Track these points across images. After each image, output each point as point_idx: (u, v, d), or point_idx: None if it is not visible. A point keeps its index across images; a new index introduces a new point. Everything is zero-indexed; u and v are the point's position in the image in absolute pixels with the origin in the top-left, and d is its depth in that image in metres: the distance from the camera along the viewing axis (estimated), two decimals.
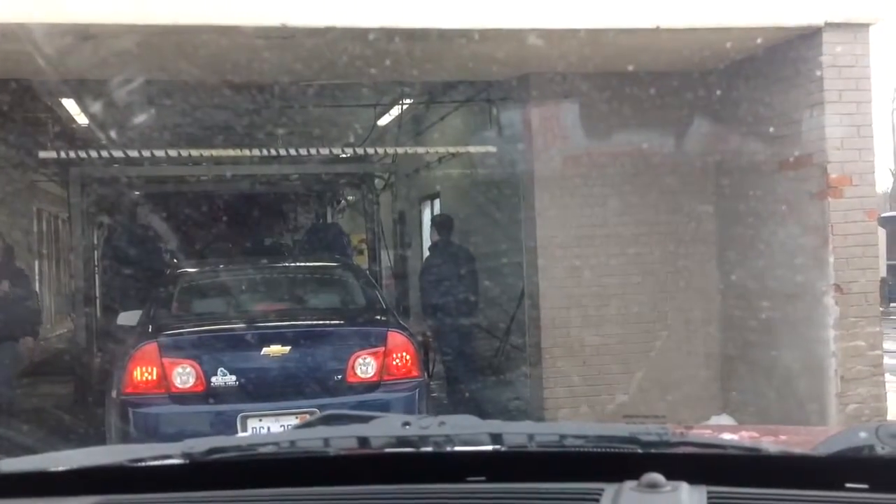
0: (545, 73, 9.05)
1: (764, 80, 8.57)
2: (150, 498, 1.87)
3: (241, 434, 6.49)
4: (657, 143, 9.14)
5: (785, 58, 8.25)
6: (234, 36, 7.31)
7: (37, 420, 9.70)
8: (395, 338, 7.31)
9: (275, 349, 7.02)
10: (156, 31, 7.07)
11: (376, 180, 14.59)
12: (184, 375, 6.90)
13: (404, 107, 12.55)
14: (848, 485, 1.76)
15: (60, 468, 1.96)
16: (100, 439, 7.34)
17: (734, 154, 9.03)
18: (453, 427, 1.94)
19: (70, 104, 11.36)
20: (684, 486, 1.69)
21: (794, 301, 8.34)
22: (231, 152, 11.86)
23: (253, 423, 6.81)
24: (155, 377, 6.91)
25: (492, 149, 10.52)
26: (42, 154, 11.84)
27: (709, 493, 1.69)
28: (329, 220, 19.22)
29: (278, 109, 11.89)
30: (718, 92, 8.96)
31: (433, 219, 12.50)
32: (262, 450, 1.94)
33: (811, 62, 7.97)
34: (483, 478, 1.85)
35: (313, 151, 11.91)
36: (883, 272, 14.56)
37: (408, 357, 7.28)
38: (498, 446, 1.90)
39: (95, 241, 14.95)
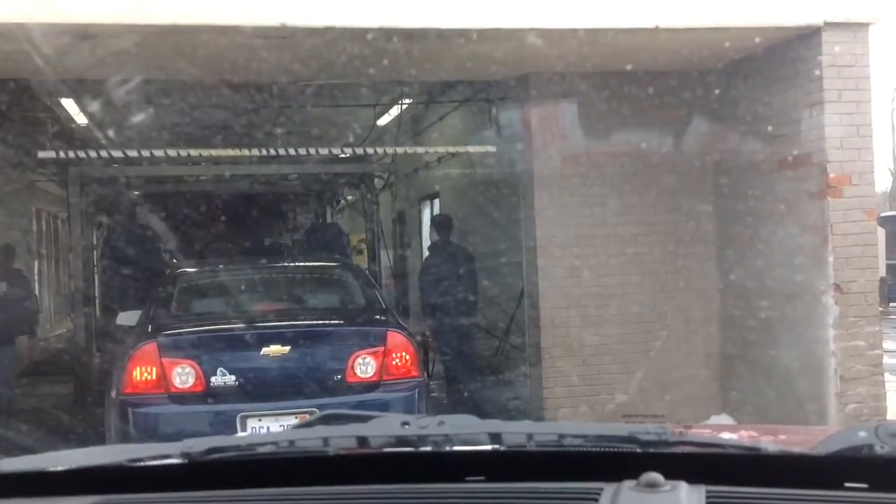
0: (544, 72, 9.05)
1: (763, 79, 8.57)
2: (149, 498, 1.87)
3: (240, 434, 6.49)
4: (656, 142, 9.14)
5: (784, 57, 8.25)
6: (232, 35, 7.31)
7: (36, 420, 9.69)
8: (395, 338, 7.32)
9: (274, 349, 7.02)
10: (155, 31, 7.07)
11: (376, 180, 14.60)
12: (183, 375, 6.90)
13: (403, 107, 12.54)
14: (847, 484, 1.76)
15: (59, 468, 1.96)
16: (99, 439, 7.34)
17: (733, 153, 9.03)
18: (452, 427, 1.94)
19: (69, 104, 11.35)
20: (683, 486, 1.69)
21: (794, 301, 8.34)
22: (230, 152, 11.86)
23: (252, 423, 6.81)
24: (154, 377, 6.91)
25: (491, 148, 10.53)
26: (41, 154, 11.83)
27: (708, 492, 1.69)
28: (328, 219, 19.23)
29: (277, 109, 11.88)
30: (717, 91, 8.96)
31: (433, 219, 12.50)
32: (262, 449, 1.94)
33: (810, 62, 7.97)
34: (482, 477, 1.85)
35: (312, 151, 11.91)
36: (882, 272, 14.54)
37: (407, 357, 7.28)
38: (497, 446, 1.90)
39: (95, 241, 14.96)
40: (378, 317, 7.93)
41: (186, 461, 1.90)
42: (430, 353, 10.56)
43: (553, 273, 9.22)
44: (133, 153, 10.02)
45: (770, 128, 8.42)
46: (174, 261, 12.54)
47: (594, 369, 9.21)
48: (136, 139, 10.95)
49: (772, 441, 2.14)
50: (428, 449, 1.90)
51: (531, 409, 9.40)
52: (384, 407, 6.88)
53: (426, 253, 11.57)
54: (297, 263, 10.78)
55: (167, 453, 1.95)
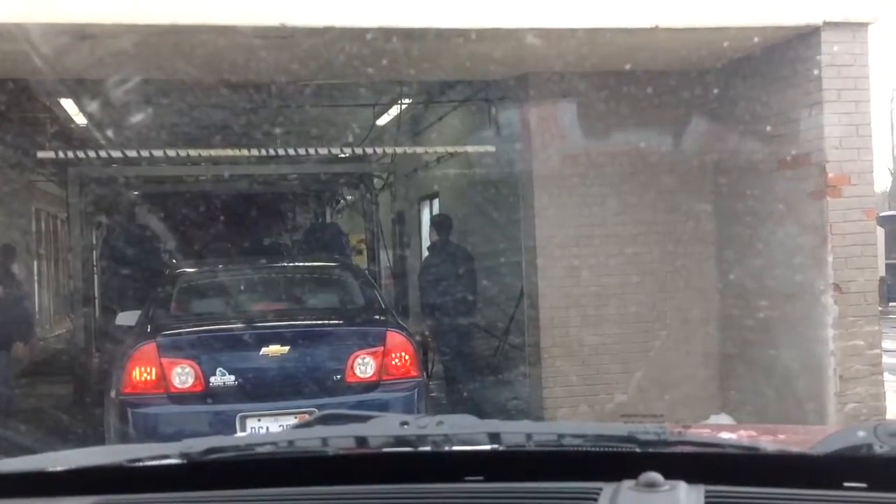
0: (543, 72, 9.05)
1: (762, 79, 8.57)
2: (148, 498, 1.87)
3: (239, 434, 6.50)
4: (655, 142, 9.14)
5: (783, 57, 8.25)
6: (231, 35, 7.30)
7: (35, 420, 9.69)
8: (394, 337, 7.32)
9: (274, 349, 7.02)
10: (154, 31, 7.07)
11: (375, 180, 14.60)
12: (182, 375, 6.90)
13: (403, 106, 12.55)
14: (846, 484, 1.76)
15: (59, 468, 1.96)
16: (98, 439, 7.33)
17: (732, 153, 9.03)
18: (451, 427, 1.95)
19: (68, 104, 11.35)
20: (682, 486, 1.69)
21: (793, 300, 8.34)
22: (229, 152, 11.86)
23: (252, 423, 6.81)
24: (154, 377, 6.91)
25: (490, 148, 10.53)
26: (40, 154, 11.84)
27: (707, 492, 1.69)
28: (328, 219, 19.25)
29: (276, 109, 11.88)
30: (716, 91, 8.96)
31: (432, 219, 12.50)
32: (261, 450, 1.94)
33: (809, 61, 7.97)
34: (481, 477, 1.85)
35: (311, 151, 11.92)
36: (881, 271, 14.54)
37: (406, 357, 7.28)
38: (496, 446, 1.90)
39: (94, 241, 14.96)
40: (377, 317, 7.93)
41: (186, 461, 1.90)
42: (430, 353, 10.55)
43: (552, 273, 9.23)
44: (132, 153, 10.02)
45: (769, 127, 8.42)
46: (173, 261, 12.53)
47: (593, 369, 9.21)
48: (136, 139, 10.95)
49: (771, 441, 2.14)
50: (427, 449, 1.90)
51: (530, 409, 9.40)
52: (383, 407, 6.88)
53: (425, 253, 11.57)
54: (296, 263, 10.78)
55: (166, 453, 1.95)
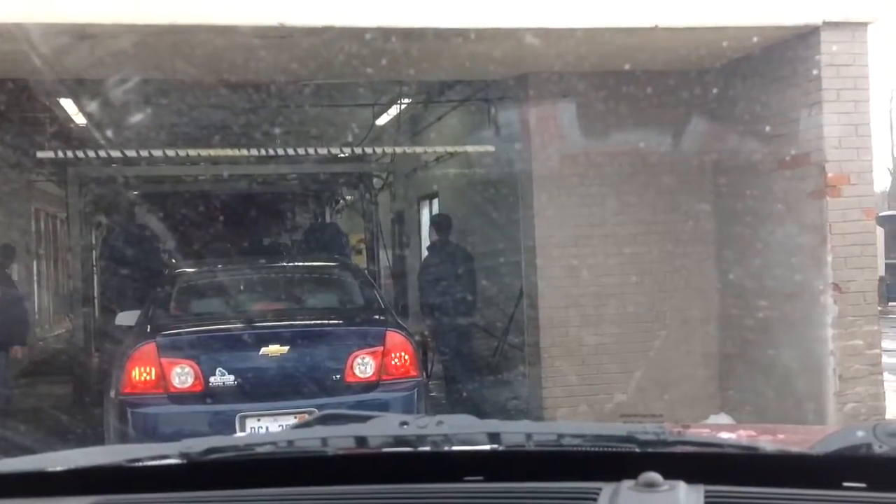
0: (542, 72, 9.05)
1: (761, 79, 8.57)
2: (147, 498, 1.87)
3: (239, 434, 6.50)
4: (654, 142, 9.14)
5: (782, 57, 8.25)
6: (231, 35, 7.30)
7: (35, 420, 9.69)
8: (394, 337, 7.31)
9: (273, 349, 7.02)
10: (153, 31, 7.07)
11: (374, 180, 14.60)
12: (182, 375, 6.89)
13: (402, 106, 12.55)
14: (846, 484, 1.76)
15: (58, 468, 1.96)
16: (98, 439, 7.33)
17: (732, 153, 9.03)
18: (451, 427, 1.94)
19: (67, 104, 11.35)
20: (682, 485, 1.69)
21: (793, 300, 8.34)
22: (228, 152, 11.86)
23: (251, 423, 6.81)
24: (153, 377, 6.91)
25: (490, 148, 10.53)
26: (40, 154, 11.84)
27: (706, 492, 1.69)
28: (327, 219, 19.25)
29: (275, 109, 11.89)
30: (715, 91, 8.96)
31: (432, 218, 12.50)
32: (260, 450, 1.94)
33: (809, 61, 7.97)
34: (481, 477, 1.85)
35: (311, 151, 11.92)
36: (881, 271, 14.54)
37: (406, 357, 7.28)
38: (496, 446, 1.90)
39: (93, 241, 14.96)
40: (377, 317, 7.93)
41: (185, 461, 1.90)
42: (429, 352, 10.56)
43: (552, 273, 9.22)
44: (132, 153, 10.02)
45: (768, 127, 8.43)
46: (173, 261, 12.53)
47: (593, 369, 9.21)
48: (135, 139, 10.96)
49: (770, 440, 2.14)
50: (426, 449, 1.90)
51: (530, 409, 9.40)
52: (383, 407, 6.88)
53: (425, 253, 11.57)
54: (295, 263, 10.78)
55: (166, 453, 1.95)
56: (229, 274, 9.00)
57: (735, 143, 8.88)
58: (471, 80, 10.59)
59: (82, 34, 7.00)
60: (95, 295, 13.48)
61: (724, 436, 2.25)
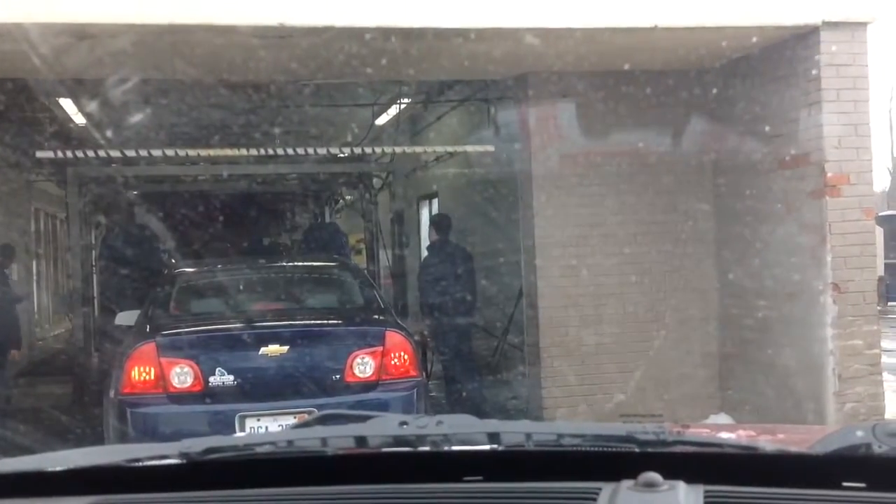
0: (542, 72, 9.05)
1: (761, 78, 8.57)
2: (147, 498, 1.87)
3: (238, 434, 6.49)
4: (654, 142, 9.14)
5: (782, 57, 8.25)
6: (230, 35, 7.30)
7: (34, 420, 9.69)
8: (393, 337, 7.31)
9: (273, 349, 7.02)
10: (153, 31, 7.06)
11: (374, 180, 14.60)
12: (182, 375, 6.89)
13: (402, 106, 12.55)
14: (845, 483, 1.76)
15: (58, 468, 1.96)
16: (98, 439, 7.33)
17: (731, 153, 9.04)
18: (451, 426, 1.94)
19: (67, 104, 11.35)
20: (681, 485, 1.69)
21: (792, 300, 8.34)
22: (228, 152, 11.86)
23: (251, 423, 6.81)
24: (153, 377, 6.91)
25: (489, 148, 10.53)
26: (39, 154, 11.83)
27: (706, 491, 1.69)
28: (327, 219, 19.25)
29: (275, 109, 11.89)
30: (715, 91, 8.96)
31: (431, 218, 12.50)
32: (260, 450, 1.94)
33: (808, 61, 7.97)
34: (480, 477, 1.85)
35: (310, 151, 11.92)
36: (881, 271, 14.56)
37: (406, 356, 7.28)
38: (495, 446, 1.90)
39: (93, 241, 14.96)
40: (376, 316, 7.92)
41: (185, 461, 1.90)
42: (429, 352, 10.56)
43: (551, 273, 9.22)
44: (131, 153, 10.02)
45: (768, 127, 8.43)
46: (172, 261, 12.53)
47: (592, 369, 9.21)
48: (134, 139, 10.96)
49: (770, 440, 2.14)
50: (426, 449, 1.89)
51: (529, 409, 9.40)
52: (382, 407, 6.88)
53: (425, 252, 11.57)
54: (295, 263, 10.78)
55: (165, 453, 1.95)
56: (229, 274, 9.00)
57: (734, 143, 8.88)
58: (470, 80, 10.59)
59: (82, 34, 7.00)
60: (95, 295, 13.47)
61: (724, 436, 2.25)
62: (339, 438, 1.95)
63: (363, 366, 7.12)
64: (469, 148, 11.21)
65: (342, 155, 13.28)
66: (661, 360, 9.22)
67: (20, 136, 12.34)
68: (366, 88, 11.17)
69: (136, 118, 10.49)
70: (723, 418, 9.11)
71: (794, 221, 8.23)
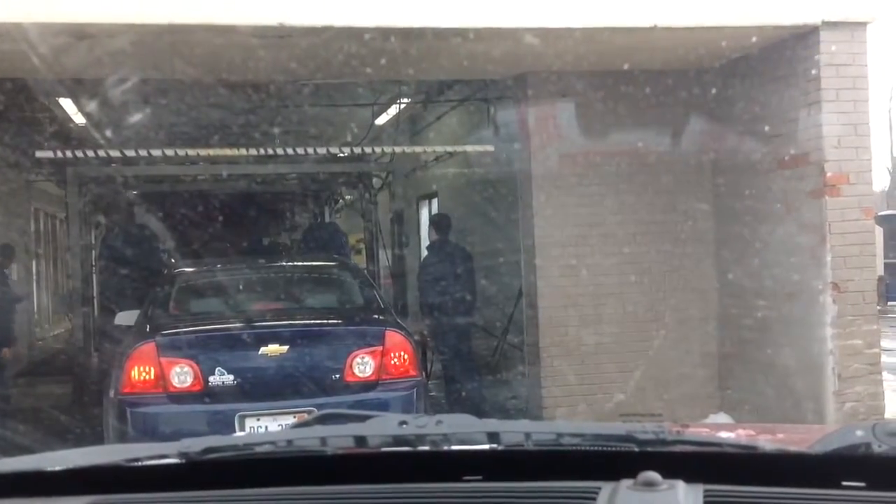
0: (541, 72, 9.05)
1: (760, 78, 8.57)
2: (146, 497, 1.87)
3: (238, 433, 6.49)
4: (653, 141, 9.14)
5: (781, 56, 8.25)
6: (230, 35, 7.30)
7: (34, 420, 9.69)
8: (393, 337, 7.31)
9: (272, 349, 7.02)
10: (152, 31, 7.06)
11: (374, 180, 14.60)
12: (181, 375, 6.89)
13: (401, 106, 12.56)
14: (845, 483, 1.76)
15: (57, 468, 1.96)
16: (97, 439, 7.33)
17: (730, 153, 9.04)
18: (450, 426, 1.94)
19: (67, 104, 11.35)
20: (681, 485, 1.69)
21: (792, 299, 8.34)
22: (227, 152, 11.85)
23: (251, 423, 6.81)
24: (153, 377, 6.91)
25: (489, 148, 10.53)
26: (39, 154, 11.83)
27: (705, 491, 1.69)
28: (326, 219, 19.25)
29: (274, 108, 11.89)
30: (714, 91, 8.96)
31: (431, 218, 12.50)
32: (259, 449, 1.94)
33: (808, 61, 7.97)
34: (480, 477, 1.85)
35: (310, 151, 11.91)
36: (880, 270, 14.57)
37: (405, 356, 7.28)
38: (495, 445, 1.90)
39: (92, 241, 14.95)
40: (376, 316, 7.92)
41: (184, 461, 1.90)
42: (429, 352, 10.56)
43: (551, 272, 9.22)
44: (131, 153, 10.02)
45: (767, 127, 8.43)
46: (172, 260, 12.53)
47: (592, 368, 9.21)
48: (134, 139, 10.95)
49: (769, 440, 2.14)
50: (426, 448, 1.89)
51: (529, 409, 9.40)
52: (382, 406, 6.88)
53: (424, 252, 11.57)
54: (295, 263, 10.78)
55: (165, 453, 1.95)
56: (228, 274, 9.00)
57: (734, 143, 8.88)
58: (470, 80, 10.59)
59: (81, 34, 7.00)
60: (95, 295, 13.47)
61: (724, 435, 2.25)
62: (339, 438, 1.95)
63: (363, 365, 7.12)
64: (468, 148, 11.21)
65: (342, 155, 13.28)
66: (660, 359, 9.22)
67: (20, 135, 12.33)
68: (365, 88, 11.17)
69: (136, 118, 10.49)
70: (722, 418, 9.11)
71: (794, 221, 8.23)
